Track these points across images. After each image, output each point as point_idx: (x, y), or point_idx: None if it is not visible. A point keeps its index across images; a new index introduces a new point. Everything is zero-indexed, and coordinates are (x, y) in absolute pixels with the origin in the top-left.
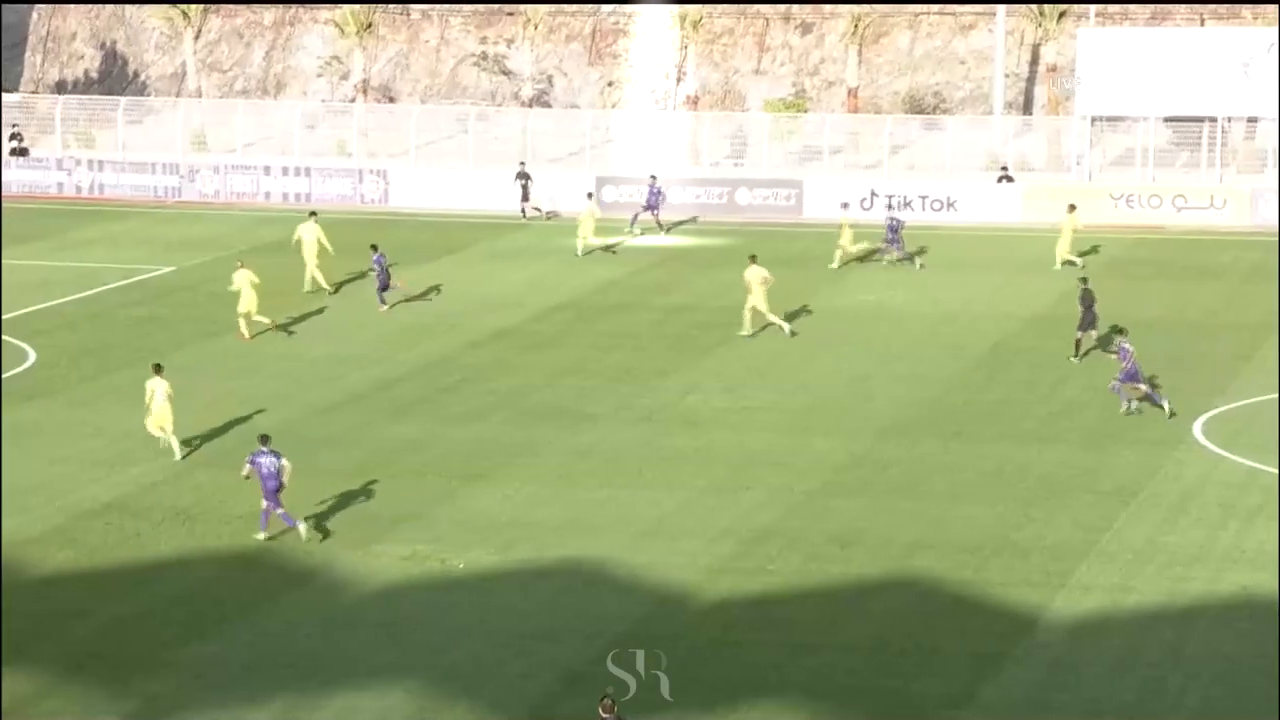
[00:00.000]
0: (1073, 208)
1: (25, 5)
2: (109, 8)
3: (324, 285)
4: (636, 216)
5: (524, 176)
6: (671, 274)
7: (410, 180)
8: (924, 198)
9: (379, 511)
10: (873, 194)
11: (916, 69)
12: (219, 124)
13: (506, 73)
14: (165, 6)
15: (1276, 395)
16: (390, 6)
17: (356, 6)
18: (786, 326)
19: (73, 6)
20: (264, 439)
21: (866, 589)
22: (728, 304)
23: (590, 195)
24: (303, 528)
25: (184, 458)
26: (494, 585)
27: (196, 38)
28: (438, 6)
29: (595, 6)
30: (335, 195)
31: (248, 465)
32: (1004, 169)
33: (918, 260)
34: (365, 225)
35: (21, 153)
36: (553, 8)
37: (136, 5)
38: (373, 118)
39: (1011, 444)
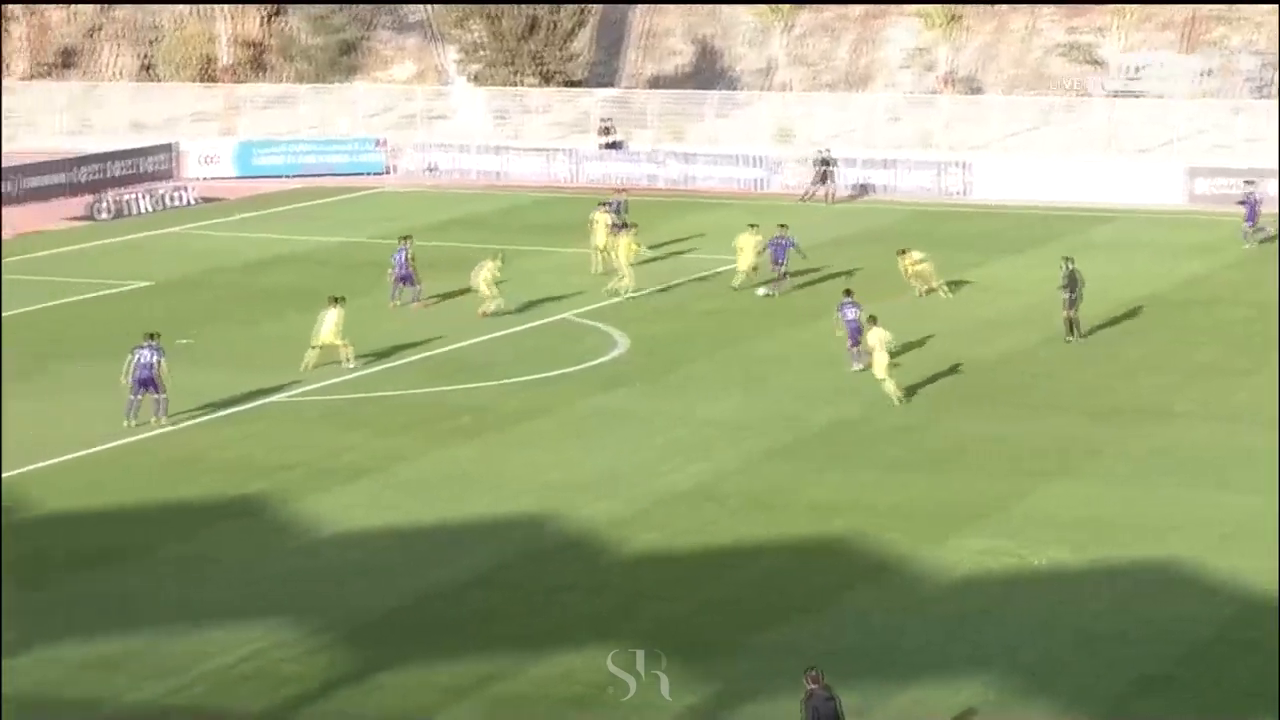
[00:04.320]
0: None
1: (625, 6)
2: (706, 4)
3: (623, 273)
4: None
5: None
6: (1270, 269)
7: (994, 172)
8: None
9: (955, 504)
10: None
11: None
12: (804, 117)
13: (1095, 62)
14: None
15: None
16: None
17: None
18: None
19: (671, 5)
20: (151, 335)
21: None
22: None
23: (604, 204)
24: (127, 423)
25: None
26: (1070, 582)
27: (787, 32)
28: None
29: None
30: (916, 187)
31: (130, 356)
32: None
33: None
34: (946, 217)
35: (615, 146)
36: None
37: (731, 5)
38: (956, 109)
39: None
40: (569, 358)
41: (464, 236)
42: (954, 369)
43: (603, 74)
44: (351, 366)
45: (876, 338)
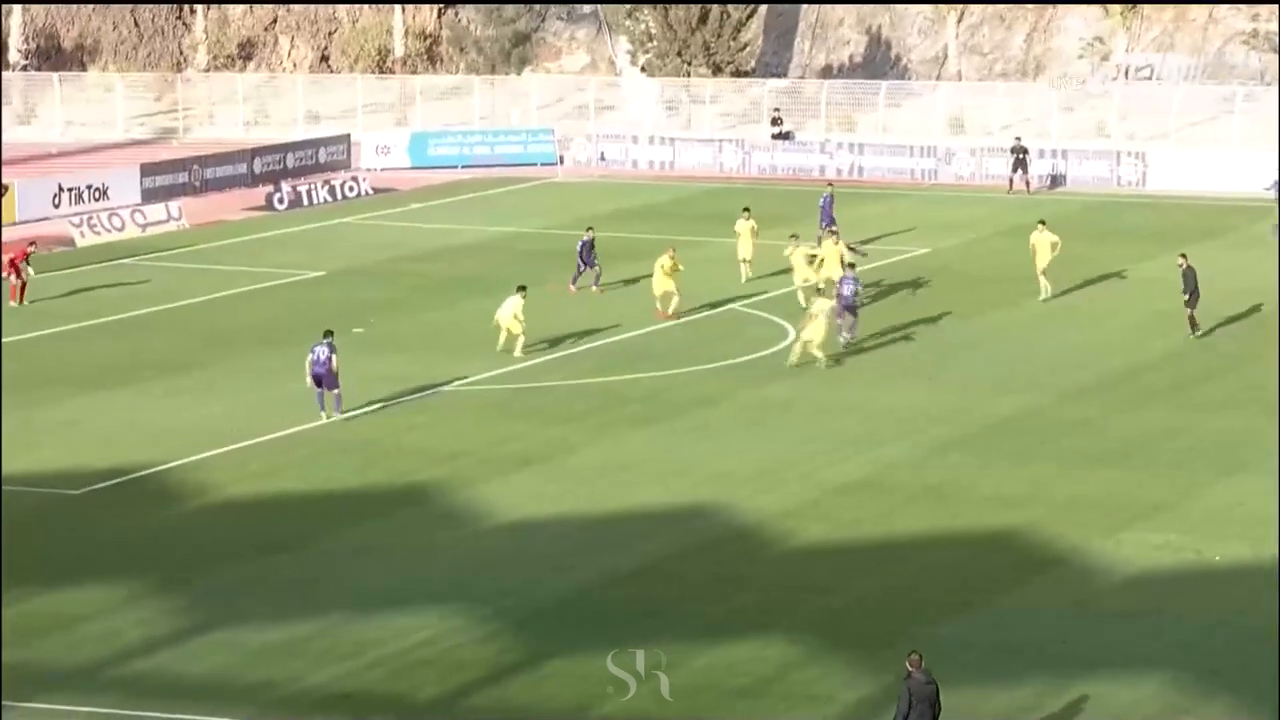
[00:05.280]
0: None
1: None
2: None
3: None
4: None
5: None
6: None
7: (1170, 162)
8: None
9: (1130, 499)
10: None
11: None
12: (976, 106)
13: (1277, 50)
14: None
15: None
16: None
17: None
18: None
19: None
20: (326, 333)
21: None
22: None
23: (746, 210)
24: (327, 416)
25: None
26: (1247, 579)
27: (959, 21)
28: None
29: None
30: (1091, 177)
31: (310, 354)
32: None
33: None
34: (1120, 208)
35: (785, 136)
36: None
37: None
38: (1132, 99)
39: None
40: (738, 348)
41: (634, 227)
42: (1130, 361)
43: (773, 64)
44: (517, 355)
45: (820, 307)
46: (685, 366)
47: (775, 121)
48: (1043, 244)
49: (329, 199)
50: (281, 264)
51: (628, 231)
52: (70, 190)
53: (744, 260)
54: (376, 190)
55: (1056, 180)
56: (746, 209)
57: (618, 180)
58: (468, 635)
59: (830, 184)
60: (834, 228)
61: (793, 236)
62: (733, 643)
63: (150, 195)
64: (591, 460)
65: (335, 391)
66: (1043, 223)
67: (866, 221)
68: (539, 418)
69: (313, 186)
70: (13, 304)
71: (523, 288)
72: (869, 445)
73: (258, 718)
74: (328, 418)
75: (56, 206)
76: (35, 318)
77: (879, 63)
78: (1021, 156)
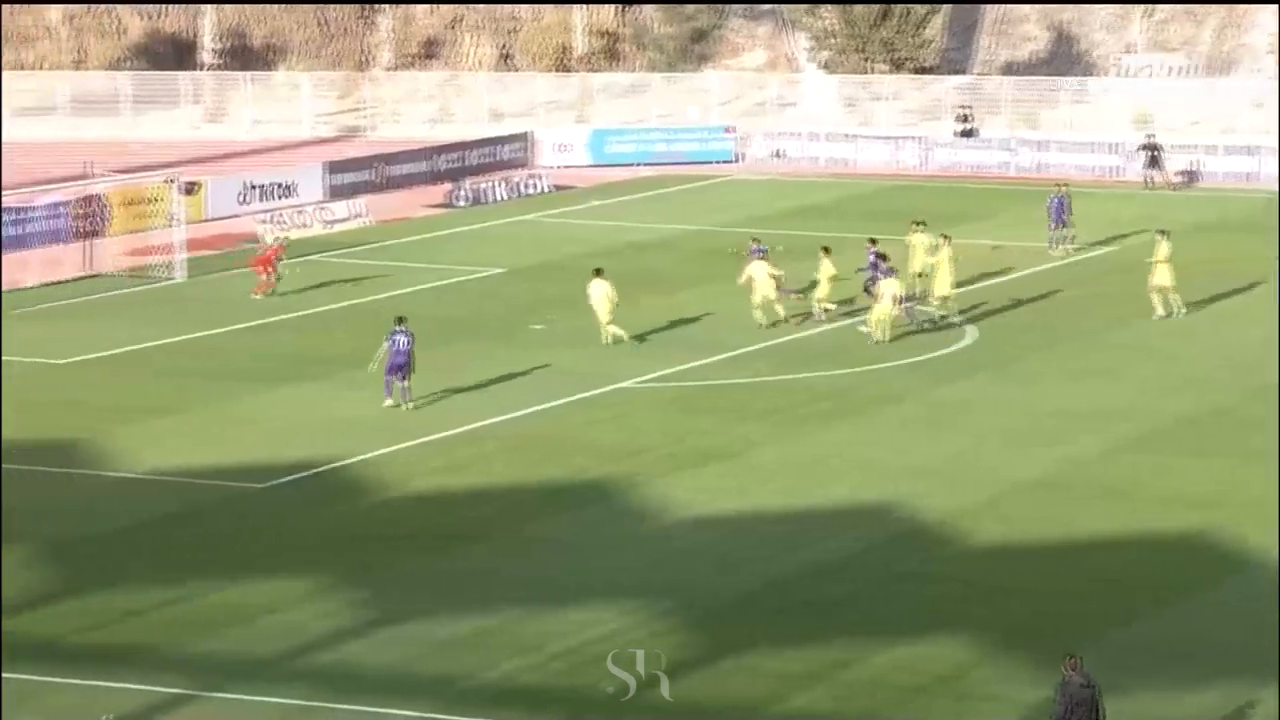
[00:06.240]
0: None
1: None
2: None
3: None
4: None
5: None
6: None
7: None
8: None
9: None
10: None
11: None
12: (1163, 104)
13: None
14: None
15: None
16: None
17: None
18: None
19: None
20: (399, 320)
21: None
22: None
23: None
24: (390, 401)
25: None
26: None
27: (1147, 17)
28: None
29: None
30: None
31: (386, 343)
32: None
33: None
34: None
35: (969, 134)
36: None
37: None
38: None
39: None
40: (920, 346)
41: (813, 225)
42: None
43: (955, 60)
44: (623, 338)
45: (888, 288)
46: (866, 365)
47: (963, 119)
48: (1163, 256)
49: (509, 196)
50: (463, 260)
51: (805, 230)
52: (257, 188)
53: (915, 275)
54: (557, 188)
55: (1192, 177)
56: (921, 222)
57: (796, 177)
58: (646, 630)
59: (1063, 185)
60: (1067, 228)
61: (944, 236)
62: (910, 641)
63: (336, 192)
64: (772, 457)
65: (406, 382)
66: (1164, 233)
67: (1038, 221)
68: (721, 414)
69: (493, 184)
70: (257, 296)
71: (599, 270)
72: (1048, 443)
73: (437, 711)
74: (415, 407)
75: (243, 204)
76: (219, 314)
77: (1063, 58)
78: (1155, 154)
